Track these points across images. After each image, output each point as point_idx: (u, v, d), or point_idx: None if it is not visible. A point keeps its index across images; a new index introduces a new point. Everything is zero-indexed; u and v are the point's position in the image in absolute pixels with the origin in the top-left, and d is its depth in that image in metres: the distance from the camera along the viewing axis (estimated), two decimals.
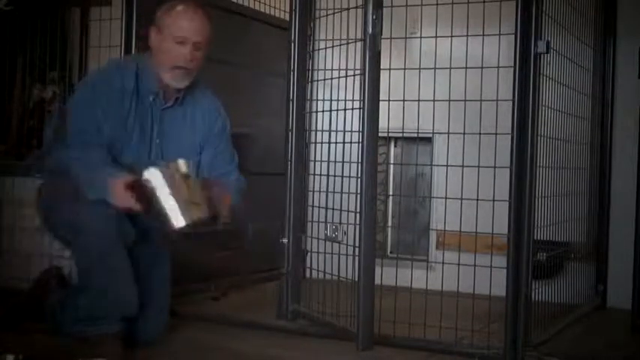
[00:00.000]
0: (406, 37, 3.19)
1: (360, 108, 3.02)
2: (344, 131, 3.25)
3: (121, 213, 2.66)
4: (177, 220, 2.56)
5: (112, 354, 2.68)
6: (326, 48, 3.38)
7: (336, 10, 3.26)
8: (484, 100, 3.00)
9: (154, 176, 2.56)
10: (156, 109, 2.84)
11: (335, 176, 3.25)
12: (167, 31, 2.76)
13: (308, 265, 3.67)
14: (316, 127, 3.51)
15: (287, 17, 3.60)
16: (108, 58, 3.12)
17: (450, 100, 3.10)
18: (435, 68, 3.13)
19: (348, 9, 3.17)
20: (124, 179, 2.60)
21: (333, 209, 3.29)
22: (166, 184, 2.56)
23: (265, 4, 4.29)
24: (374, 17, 2.95)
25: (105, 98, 2.74)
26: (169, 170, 2.58)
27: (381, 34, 2.98)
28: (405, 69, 3.15)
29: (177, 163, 2.61)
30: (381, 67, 3.02)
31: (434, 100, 3.15)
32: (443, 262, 3.36)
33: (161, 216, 2.57)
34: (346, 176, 3.16)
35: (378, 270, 3.04)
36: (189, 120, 2.92)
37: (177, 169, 2.60)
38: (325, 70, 3.42)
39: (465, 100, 3.05)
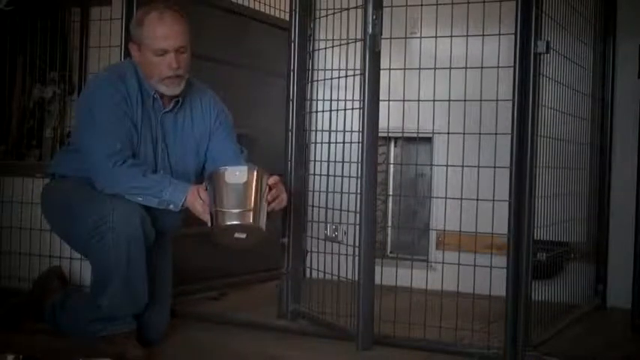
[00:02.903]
0: (406, 37, 3.18)
1: (360, 108, 3.02)
2: (344, 131, 3.25)
3: (145, 214, 2.70)
4: (225, 220, 2.62)
5: (133, 350, 2.71)
6: (326, 48, 3.38)
7: (336, 10, 3.26)
8: (484, 100, 3.00)
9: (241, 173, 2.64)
10: (157, 114, 2.85)
11: (335, 176, 3.25)
12: (145, 45, 2.75)
13: (308, 265, 3.67)
14: (316, 127, 3.51)
15: (287, 17, 3.60)
16: (108, 66, 3.08)
17: (450, 100, 3.10)
18: (435, 68, 3.13)
19: (348, 9, 3.17)
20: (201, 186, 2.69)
21: (333, 209, 3.29)
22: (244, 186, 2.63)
23: (265, 4, 4.29)
24: (374, 17, 2.95)
25: (124, 106, 2.76)
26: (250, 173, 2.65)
27: (381, 34, 2.98)
28: (405, 69, 3.15)
29: (257, 171, 2.69)
30: (381, 67, 3.02)
31: (434, 100, 3.15)
32: (443, 262, 3.36)
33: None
34: (346, 176, 3.16)
35: (378, 270, 3.04)
36: (189, 121, 2.94)
37: (258, 174, 2.68)
38: (325, 70, 3.42)
39: (465, 100, 3.05)
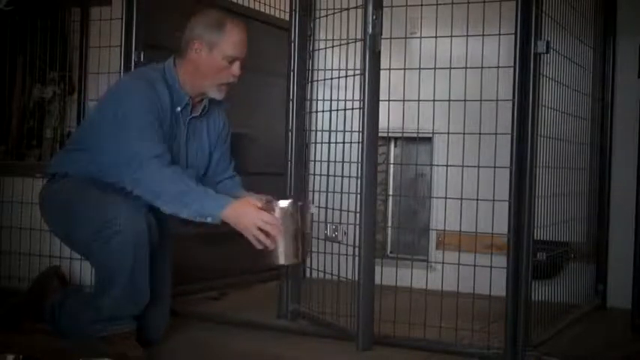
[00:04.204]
0: (406, 37, 3.19)
1: (360, 108, 3.02)
2: (344, 131, 3.25)
3: (151, 217, 2.71)
4: (279, 259, 2.72)
5: (133, 351, 2.72)
6: (326, 48, 3.38)
7: (336, 10, 3.26)
8: (484, 100, 3.00)
9: (284, 210, 2.71)
10: (185, 119, 2.88)
11: (335, 176, 3.25)
12: (218, 49, 2.80)
13: (308, 265, 3.67)
14: (316, 127, 3.51)
15: (287, 17, 3.60)
16: (131, 72, 3.02)
17: (450, 100, 3.10)
18: (435, 68, 3.12)
19: (348, 9, 3.17)
20: (256, 201, 2.71)
21: (333, 209, 3.29)
22: (292, 221, 2.70)
23: (265, 4, 4.29)
24: (374, 17, 2.95)
25: (158, 111, 2.77)
26: (301, 208, 2.74)
27: (381, 34, 2.98)
28: (405, 69, 3.15)
29: (309, 205, 2.81)
30: (381, 67, 3.02)
31: (434, 100, 3.15)
32: (443, 262, 3.36)
33: (270, 249, 2.69)
34: (346, 176, 3.16)
35: (378, 270, 3.04)
36: (206, 127, 3.00)
37: (308, 209, 2.79)
38: (325, 70, 3.42)
39: (465, 100, 3.05)
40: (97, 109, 2.89)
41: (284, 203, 2.74)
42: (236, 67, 2.83)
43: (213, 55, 2.81)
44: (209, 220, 2.67)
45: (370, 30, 2.96)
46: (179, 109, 2.85)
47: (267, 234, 2.65)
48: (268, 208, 2.70)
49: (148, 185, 2.67)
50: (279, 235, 2.66)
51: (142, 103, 2.73)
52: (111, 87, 2.98)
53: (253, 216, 2.65)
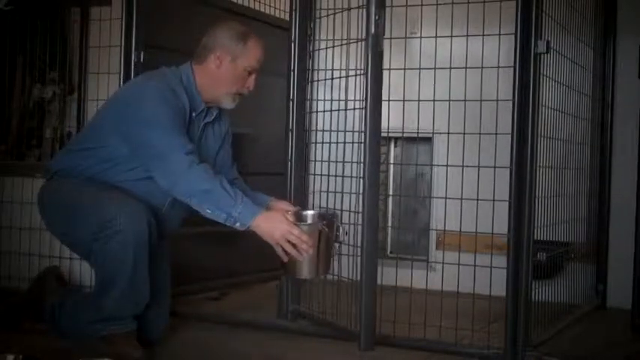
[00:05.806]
0: (406, 37, 3.19)
1: (361, 108, 3.02)
2: (345, 131, 3.25)
3: (152, 217, 2.71)
4: (302, 273, 2.74)
5: (133, 351, 2.71)
6: (327, 48, 3.38)
7: (336, 10, 3.26)
8: (484, 100, 3.00)
9: (313, 224, 2.76)
10: (198, 125, 2.90)
11: (335, 176, 3.25)
12: (242, 60, 2.88)
13: None
14: (316, 127, 3.51)
15: (287, 17, 3.60)
16: (151, 76, 2.98)
17: (450, 100, 3.10)
18: (435, 68, 3.12)
19: (349, 9, 3.17)
20: (286, 213, 2.76)
21: (334, 209, 3.29)
22: (320, 236, 2.71)
23: (265, 4, 4.29)
24: (377, 17, 2.95)
25: (183, 115, 2.81)
26: (328, 223, 2.76)
27: (383, 34, 2.98)
28: (405, 69, 3.15)
29: (338, 217, 2.84)
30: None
31: (434, 100, 3.15)
32: (443, 262, 3.36)
33: (290, 261, 2.68)
34: (347, 176, 3.16)
35: (378, 270, 3.03)
36: (213, 131, 3.01)
37: (336, 222, 2.81)
38: (326, 70, 3.42)
39: (465, 100, 3.05)
40: (110, 109, 2.85)
41: (314, 217, 2.81)
42: (252, 80, 2.91)
43: (236, 65, 2.87)
44: (237, 225, 2.67)
45: (373, 30, 2.95)
46: (194, 114, 2.88)
47: (294, 246, 2.66)
48: (297, 220, 2.74)
49: (185, 183, 2.68)
50: (307, 250, 2.67)
51: (170, 105, 2.75)
52: (128, 88, 2.96)
53: (285, 229, 2.66)
